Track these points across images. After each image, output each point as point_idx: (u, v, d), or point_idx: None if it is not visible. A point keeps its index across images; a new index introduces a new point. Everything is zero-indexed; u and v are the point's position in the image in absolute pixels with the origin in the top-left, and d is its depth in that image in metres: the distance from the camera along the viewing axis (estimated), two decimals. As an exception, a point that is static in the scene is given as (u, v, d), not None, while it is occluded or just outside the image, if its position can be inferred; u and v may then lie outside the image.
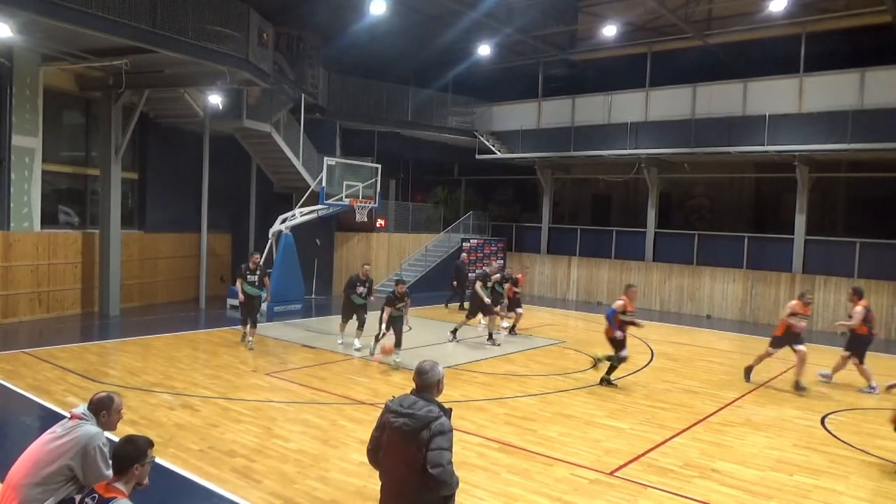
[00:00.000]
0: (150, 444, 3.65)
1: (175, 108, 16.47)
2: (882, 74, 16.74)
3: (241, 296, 12.11)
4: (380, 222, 21.74)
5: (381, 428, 3.67)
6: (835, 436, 8.23)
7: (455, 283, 18.47)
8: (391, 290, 11.35)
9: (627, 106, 20.89)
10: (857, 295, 10.90)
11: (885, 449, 7.73)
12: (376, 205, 18.68)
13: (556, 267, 23.25)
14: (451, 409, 3.65)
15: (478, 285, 13.35)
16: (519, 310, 14.65)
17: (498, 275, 14.01)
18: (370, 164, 18.46)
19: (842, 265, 17.82)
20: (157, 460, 6.24)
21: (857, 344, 10.82)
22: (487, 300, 13.12)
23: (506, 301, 14.23)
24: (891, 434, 8.32)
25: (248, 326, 11.95)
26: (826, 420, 8.91)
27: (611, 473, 6.60)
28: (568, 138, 21.89)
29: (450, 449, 3.50)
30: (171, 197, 17.41)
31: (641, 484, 6.34)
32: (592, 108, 21.72)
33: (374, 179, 18.29)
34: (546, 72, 23.05)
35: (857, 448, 7.76)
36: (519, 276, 14.99)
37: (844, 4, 17.58)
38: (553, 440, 7.51)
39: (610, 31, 19.57)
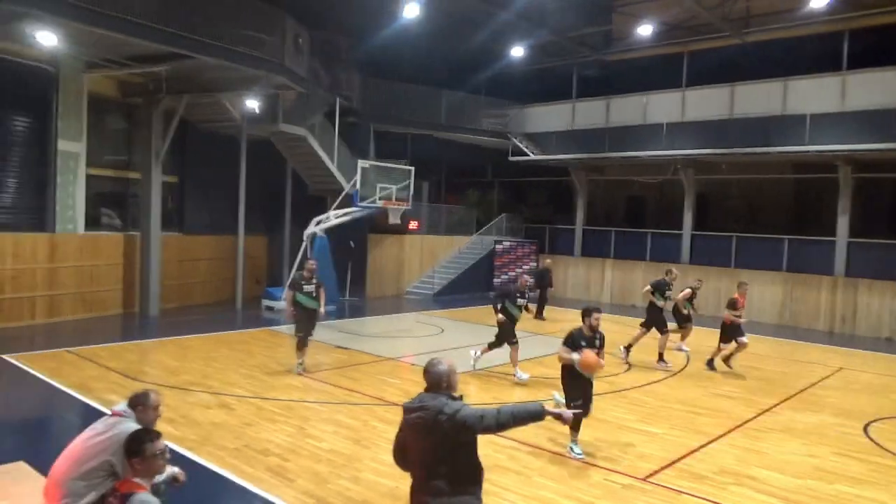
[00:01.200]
0: (150, 437, 3.57)
1: (213, 113, 16.81)
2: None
3: (290, 309, 10.26)
4: (413, 224, 21.85)
5: (403, 429, 3.76)
6: (878, 444, 8.00)
7: (538, 289, 17.60)
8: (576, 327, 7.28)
9: (663, 106, 20.60)
10: None
11: (932, 458, 7.49)
12: (409, 207, 18.78)
13: (589, 269, 23.05)
14: (461, 396, 3.70)
15: (651, 294, 12.21)
16: (743, 339, 11.49)
17: (689, 290, 12.77)
18: (403, 167, 18.57)
19: (887, 268, 17.28)
20: (195, 458, 6.43)
21: None
22: (660, 304, 12.03)
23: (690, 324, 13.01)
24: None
25: (303, 345, 10.34)
26: (868, 428, 8.66)
27: (644, 479, 6.52)
28: (602, 139, 21.69)
29: (475, 411, 3.56)
30: (209, 200, 17.78)
31: (675, 490, 6.25)
32: (627, 109, 21.48)
33: (407, 182, 18.40)
34: (580, 72, 22.89)
35: (902, 457, 7.53)
36: (737, 295, 11.82)
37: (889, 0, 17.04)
38: (586, 444, 7.43)
39: (645, 30, 19.36)
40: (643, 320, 12.39)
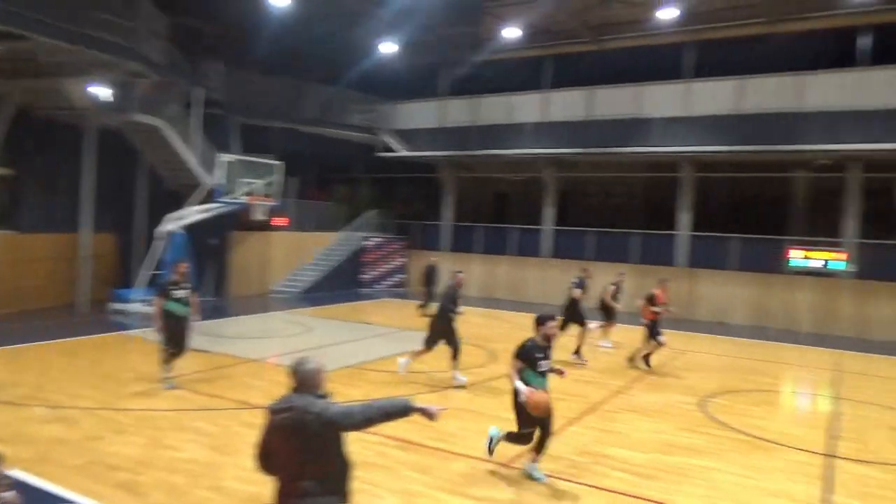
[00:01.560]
0: None
1: (55, 100, 15.29)
2: (758, 81, 18.12)
3: (158, 321, 9.11)
4: (280, 220, 21.21)
5: (269, 432, 3.64)
6: (714, 418, 8.83)
7: (427, 286, 17.82)
8: (528, 340, 6.36)
9: (528, 107, 21.47)
10: None
11: (755, 427, 8.44)
12: (277, 203, 18.20)
13: (457, 264, 23.44)
14: (328, 395, 3.65)
15: (577, 292, 12.25)
16: (661, 338, 11.41)
17: (612, 286, 13.28)
18: (270, 161, 17.96)
19: (722, 259, 19.13)
20: (32, 479, 5.83)
21: None
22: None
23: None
24: (760, 414, 9.10)
25: (173, 359, 9.23)
26: (707, 404, 9.54)
27: (507, 465, 6.75)
28: (470, 137, 22.19)
29: (342, 408, 3.54)
30: (50, 195, 16.20)
31: (537, 474, 6.52)
32: (494, 108, 22.16)
33: (274, 177, 17.83)
34: (450, 71, 23.27)
35: (732, 428, 8.38)
36: (657, 291, 11.65)
37: (728, 15, 18.78)
38: (453, 435, 7.58)
39: (512, 33, 20.02)
40: (562, 320, 11.71)
